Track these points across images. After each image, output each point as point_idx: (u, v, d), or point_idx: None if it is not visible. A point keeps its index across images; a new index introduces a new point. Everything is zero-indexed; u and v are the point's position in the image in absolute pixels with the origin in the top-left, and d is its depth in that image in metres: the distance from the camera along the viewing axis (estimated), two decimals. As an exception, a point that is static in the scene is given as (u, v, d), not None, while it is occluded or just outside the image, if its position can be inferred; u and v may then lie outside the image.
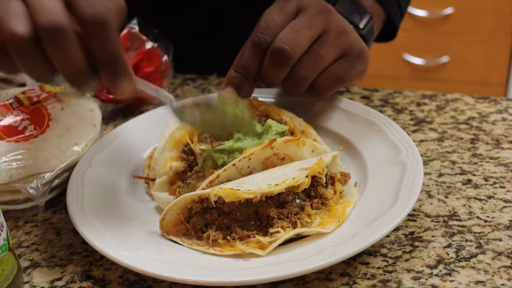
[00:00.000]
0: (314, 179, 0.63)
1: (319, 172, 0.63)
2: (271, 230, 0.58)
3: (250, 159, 0.63)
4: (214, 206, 0.59)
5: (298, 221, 0.59)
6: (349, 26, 0.72)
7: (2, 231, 0.53)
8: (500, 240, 0.60)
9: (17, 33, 0.51)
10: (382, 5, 0.87)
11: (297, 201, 0.62)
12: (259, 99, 0.76)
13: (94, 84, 0.56)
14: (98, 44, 0.53)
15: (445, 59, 2.45)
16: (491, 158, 0.75)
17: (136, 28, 0.94)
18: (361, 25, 0.79)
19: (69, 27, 0.51)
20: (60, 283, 0.59)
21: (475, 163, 0.74)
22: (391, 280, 0.55)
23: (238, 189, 0.57)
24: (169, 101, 0.65)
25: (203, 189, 0.62)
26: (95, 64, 0.55)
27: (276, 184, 0.58)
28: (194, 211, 0.60)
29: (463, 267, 0.56)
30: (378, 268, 0.57)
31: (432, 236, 0.61)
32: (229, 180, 0.62)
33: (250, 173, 0.64)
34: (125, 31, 0.93)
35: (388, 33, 0.95)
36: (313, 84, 0.72)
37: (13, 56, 0.53)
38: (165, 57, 0.94)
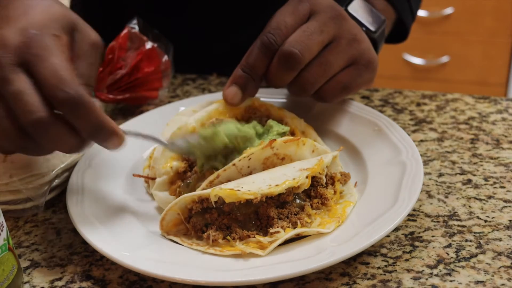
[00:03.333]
0: (314, 179, 0.63)
1: (319, 173, 0.63)
2: (271, 230, 0.58)
3: (250, 159, 0.63)
4: (214, 206, 0.59)
5: (298, 221, 0.59)
6: (361, 33, 0.71)
7: (2, 231, 0.53)
8: (500, 240, 0.60)
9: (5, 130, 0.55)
10: (394, 7, 0.86)
11: (297, 201, 0.62)
12: (261, 99, 0.76)
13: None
14: (79, 123, 0.55)
15: (445, 59, 2.45)
16: (491, 158, 0.75)
17: (136, 28, 0.94)
18: (373, 29, 0.78)
19: (49, 119, 0.54)
20: (60, 283, 0.59)
21: (475, 163, 0.74)
22: (391, 280, 0.55)
23: (238, 190, 0.57)
24: (165, 145, 0.66)
25: (203, 189, 0.62)
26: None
27: (277, 185, 0.58)
28: (194, 211, 0.60)
29: (463, 267, 0.56)
30: (378, 268, 0.57)
31: (432, 236, 0.61)
32: (229, 180, 0.62)
33: (250, 173, 0.64)
34: (125, 31, 0.93)
35: (398, 34, 0.93)
36: (319, 90, 0.71)
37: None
38: (165, 57, 0.94)
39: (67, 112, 0.55)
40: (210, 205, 0.59)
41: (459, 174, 0.72)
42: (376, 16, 0.79)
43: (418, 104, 0.91)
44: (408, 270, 0.57)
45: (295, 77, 0.69)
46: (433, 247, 0.59)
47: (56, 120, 0.55)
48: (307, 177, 0.60)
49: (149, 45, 0.93)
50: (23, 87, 0.54)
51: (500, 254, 0.58)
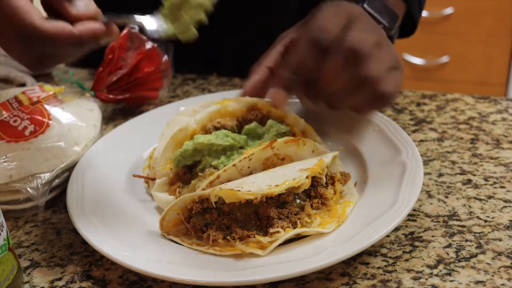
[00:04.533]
0: (314, 179, 0.63)
1: (319, 173, 0.63)
2: (271, 230, 0.58)
3: (250, 159, 0.63)
4: (214, 206, 0.59)
5: (298, 221, 0.59)
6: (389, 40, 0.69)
7: (2, 231, 0.53)
8: (500, 240, 0.60)
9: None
10: (404, 1, 0.85)
11: (297, 201, 0.62)
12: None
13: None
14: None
15: (445, 59, 2.45)
16: (491, 158, 0.75)
17: (136, 28, 0.94)
18: (390, 26, 0.77)
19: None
20: (60, 283, 0.59)
21: (475, 163, 0.74)
22: (391, 280, 0.55)
23: (238, 190, 0.57)
24: (149, 24, 0.65)
25: (203, 189, 0.62)
26: None
27: (277, 185, 0.58)
28: (194, 211, 0.60)
29: (463, 267, 0.56)
30: (378, 268, 0.57)
31: (432, 236, 0.61)
32: (229, 181, 0.62)
33: (251, 173, 0.64)
34: (125, 31, 0.93)
35: (405, 28, 0.92)
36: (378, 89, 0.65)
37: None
38: (165, 57, 0.94)
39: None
40: (210, 205, 0.59)
41: (459, 174, 0.72)
42: (391, 13, 0.78)
43: (418, 104, 0.91)
44: (408, 270, 0.57)
45: (355, 74, 0.63)
46: (433, 247, 0.59)
47: None
48: (307, 177, 0.60)
49: (149, 45, 0.93)
50: None
51: (500, 254, 0.58)
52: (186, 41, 0.65)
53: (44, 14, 0.60)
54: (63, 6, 0.60)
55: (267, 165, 0.65)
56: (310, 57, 0.64)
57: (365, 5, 0.75)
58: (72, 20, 0.59)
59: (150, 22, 0.66)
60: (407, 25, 0.91)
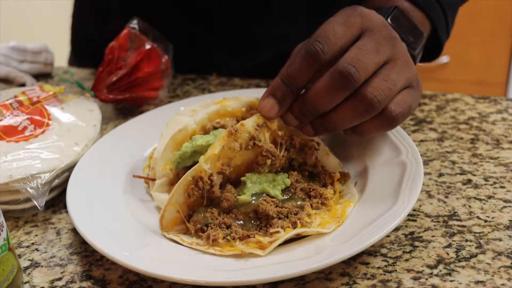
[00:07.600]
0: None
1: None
2: (271, 230, 0.58)
3: None
4: (210, 182, 0.60)
5: (298, 221, 0.59)
6: (409, 55, 0.65)
7: (2, 231, 0.53)
8: (500, 240, 0.60)
9: None
10: (431, 21, 0.80)
11: (298, 202, 0.62)
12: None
13: None
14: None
15: (445, 59, 2.44)
16: (491, 158, 0.75)
17: (136, 28, 0.94)
18: (414, 44, 0.72)
19: None
20: (60, 283, 0.59)
21: (475, 163, 0.74)
22: (391, 280, 0.55)
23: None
24: None
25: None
26: None
27: None
28: (192, 198, 0.60)
29: (463, 267, 0.56)
30: (378, 268, 0.57)
31: (432, 236, 0.61)
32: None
33: None
34: (125, 31, 0.93)
35: (429, 50, 0.86)
36: (383, 112, 0.62)
37: None
38: (165, 57, 0.94)
39: None
40: (207, 185, 0.60)
41: (459, 174, 0.72)
42: (416, 30, 0.73)
43: (418, 104, 0.90)
44: (408, 270, 0.57)
45: (352, 97, 0.60)
46: (433, 247, 0.59)
47: None
48: None
49: (149, 45, 0.93)
50: None
51: (500, 254, 0.58)
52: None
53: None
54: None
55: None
56: (303, 70, 0.60)
57: (388, 21, 0.70)
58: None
59: None
60: (431, 48, 0.86)
